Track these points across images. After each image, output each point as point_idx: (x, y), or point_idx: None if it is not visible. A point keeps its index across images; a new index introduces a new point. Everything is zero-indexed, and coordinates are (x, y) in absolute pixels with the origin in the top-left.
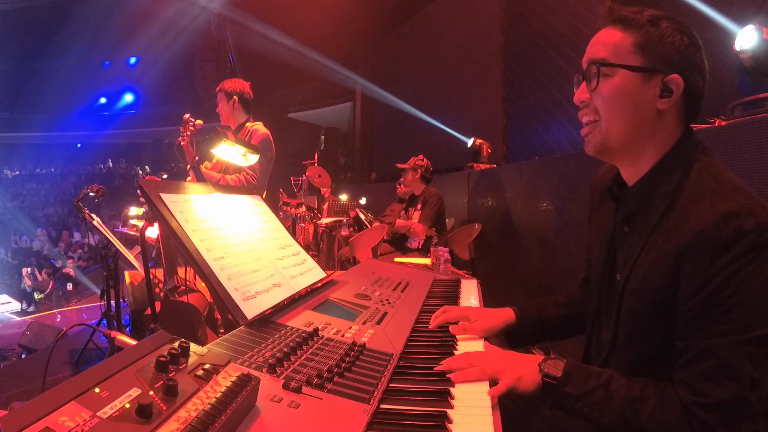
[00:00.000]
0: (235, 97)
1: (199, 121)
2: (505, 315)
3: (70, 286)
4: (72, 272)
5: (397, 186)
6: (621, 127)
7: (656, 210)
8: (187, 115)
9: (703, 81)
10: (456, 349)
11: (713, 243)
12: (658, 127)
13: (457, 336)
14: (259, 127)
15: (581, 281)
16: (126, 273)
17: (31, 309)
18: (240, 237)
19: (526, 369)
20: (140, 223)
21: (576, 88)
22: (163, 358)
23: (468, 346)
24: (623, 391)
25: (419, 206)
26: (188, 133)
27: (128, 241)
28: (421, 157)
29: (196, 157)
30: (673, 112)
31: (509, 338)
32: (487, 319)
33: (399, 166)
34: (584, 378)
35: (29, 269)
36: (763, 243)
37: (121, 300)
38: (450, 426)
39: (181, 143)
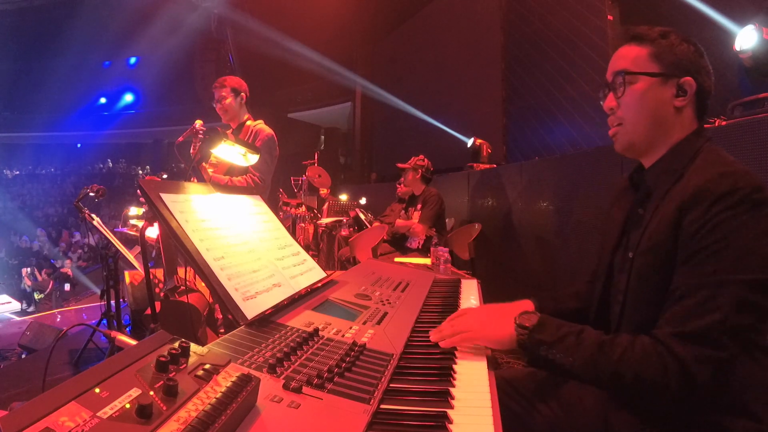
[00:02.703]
0: (242, 94)
1: (198, 121)
2: (523, 307)
3: (67, 287)
4: (70, 272)
5: (397, 186)
6: (645, 125)
7: (666, 184)
8: (199, 122)
9: (710, 81)
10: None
11: (710, 195)
12: (677, 122)
13: None
14: (263, 126)
15: (590, 277)
16: (126, 273)
17: (31, 309)
18: (240, 237)
19: (498, 322)
20: (140, 223)
21: (602, 99)
22: (163, 358)
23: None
24: (594, 337)
25: (419, 206)
26: (198, 143)
27: (128, 241)
28: (421, 157)
29: (199, 155)
30: (689, 109)
31: None
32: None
33: (399, 165)
34: (557, 327)
35: (29, 269)
36: (755, 200)
37: (121, 300)
38: (450, 426)
39: (191, 152)
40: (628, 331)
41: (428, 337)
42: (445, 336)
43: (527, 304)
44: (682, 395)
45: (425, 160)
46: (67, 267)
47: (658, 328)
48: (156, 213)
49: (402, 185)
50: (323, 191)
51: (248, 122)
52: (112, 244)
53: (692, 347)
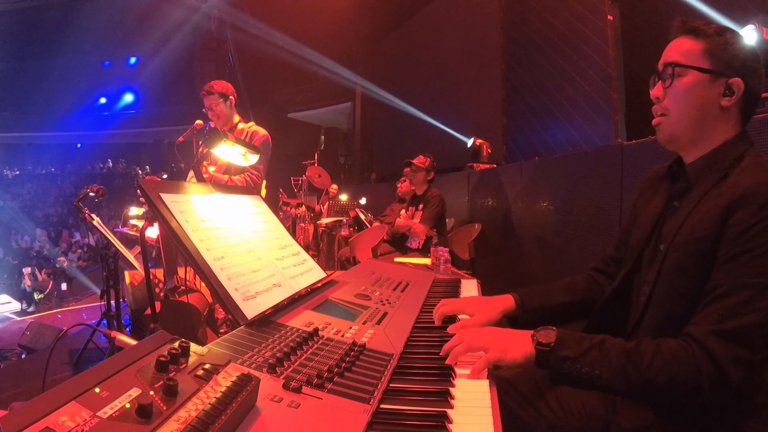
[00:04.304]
0: (231, 97)
1: (199, 121)
2: (504, 304)
3: (64, 286)
4: (66, 262)
5: (398, 185)
6: (689, 119)
7: (709, 181)
8: (199, 122)
9: (760, 85)
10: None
11: (759, 198)
12: (721, 122)
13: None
14: (258, 128)
15: (601, 263)
16: (126, 273)
17: (31, 309)
18: (240, 237)
19: (513, 341)
20: (140, 223)
21: (651, 87)
22: (163, 358)
23: None
24: (619, 347)
25: (421, 206)
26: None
27: (128, 241)
28: (432, 159)
29: (201, 152)
30: (735, 110)
31: (511, 323)
32: (485, 311)
33: (414, 162)
34: (577, 341)
35: (29, 269)
36: None
37: (121, 300)
38: (450, 426)
39: (195, 150)
40: (651, 324)
41: (428, 336)
42: (459, 354)
43: (507, 299)
44: (714, 396)
45: (435, 163)
46: (63, 264)
47: (693, 325)
48: (156, 213)
49: (407, 182)
50: (332, 188)
51: (240, 125)
52: (112, 244)
53: (729, 346)
